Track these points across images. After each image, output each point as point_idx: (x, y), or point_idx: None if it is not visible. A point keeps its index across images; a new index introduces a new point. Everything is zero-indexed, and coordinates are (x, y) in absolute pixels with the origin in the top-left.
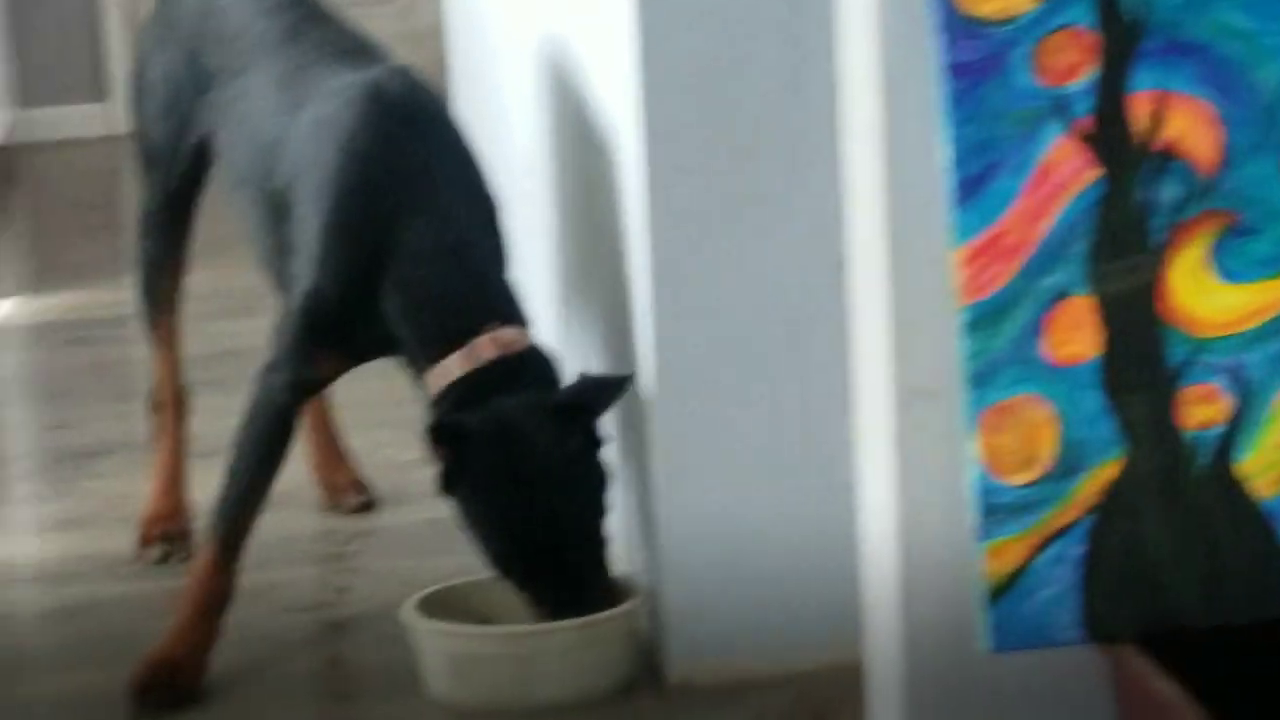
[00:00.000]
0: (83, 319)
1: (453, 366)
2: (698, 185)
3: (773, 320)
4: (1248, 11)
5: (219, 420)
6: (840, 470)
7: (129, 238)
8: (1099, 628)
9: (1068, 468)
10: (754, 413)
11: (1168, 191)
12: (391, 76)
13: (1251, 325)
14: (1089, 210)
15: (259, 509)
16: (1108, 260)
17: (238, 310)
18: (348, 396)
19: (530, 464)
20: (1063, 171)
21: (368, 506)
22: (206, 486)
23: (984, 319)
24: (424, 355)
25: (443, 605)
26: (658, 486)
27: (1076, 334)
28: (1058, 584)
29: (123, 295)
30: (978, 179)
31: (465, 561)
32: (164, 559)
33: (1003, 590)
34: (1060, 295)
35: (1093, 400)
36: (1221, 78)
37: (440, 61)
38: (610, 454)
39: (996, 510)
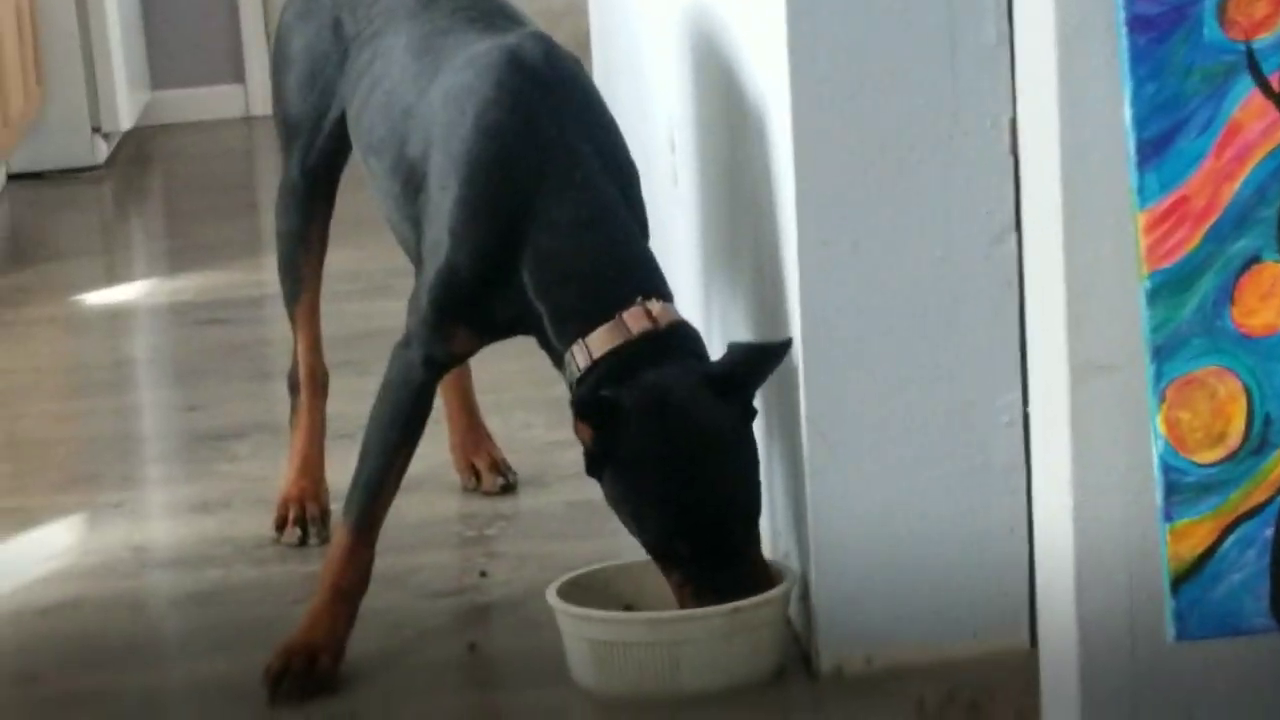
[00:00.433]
0: (219, 300)
1: (598, 341)
2: (848, 153)
3: (926, 295)
4: None
5: (358, 402)
6: (998, 450)
7: (264, 219)
8: None
9: (1258, 445)
10: (907, 391)
11: None
12: (530, 42)
13: None
14: None
15: (395, 488)
16: None
17: (378, 291)
18: (485, 377)
19: (689, 439)
20: (1252, 130)
21: (509, 489)
22: (345, 468)
23: (1168, 288)
24: (566, 330)
25: (584, 590)
26: (809, 466)
27: (1267, 302)
28: (1246, 568)
29: (259, 276)
30: (1161, 139)
31: (606, 545)
32: (301, 542)
33: (1187, 575)
34: (1250, 261)
35: None
36: None
37: (577, 39)
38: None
39: (1181, 490)
